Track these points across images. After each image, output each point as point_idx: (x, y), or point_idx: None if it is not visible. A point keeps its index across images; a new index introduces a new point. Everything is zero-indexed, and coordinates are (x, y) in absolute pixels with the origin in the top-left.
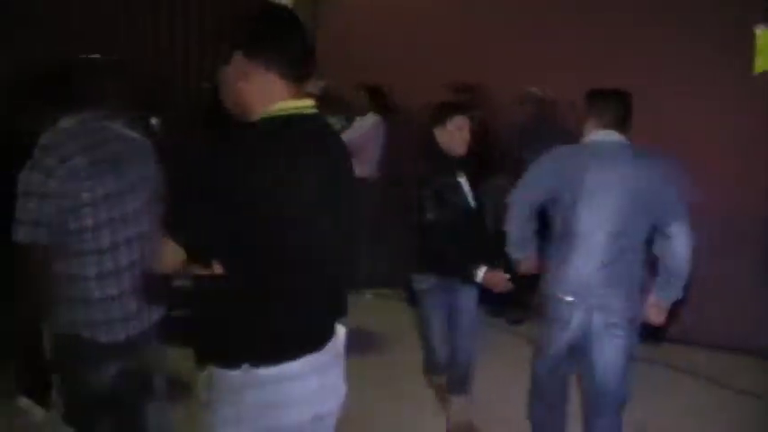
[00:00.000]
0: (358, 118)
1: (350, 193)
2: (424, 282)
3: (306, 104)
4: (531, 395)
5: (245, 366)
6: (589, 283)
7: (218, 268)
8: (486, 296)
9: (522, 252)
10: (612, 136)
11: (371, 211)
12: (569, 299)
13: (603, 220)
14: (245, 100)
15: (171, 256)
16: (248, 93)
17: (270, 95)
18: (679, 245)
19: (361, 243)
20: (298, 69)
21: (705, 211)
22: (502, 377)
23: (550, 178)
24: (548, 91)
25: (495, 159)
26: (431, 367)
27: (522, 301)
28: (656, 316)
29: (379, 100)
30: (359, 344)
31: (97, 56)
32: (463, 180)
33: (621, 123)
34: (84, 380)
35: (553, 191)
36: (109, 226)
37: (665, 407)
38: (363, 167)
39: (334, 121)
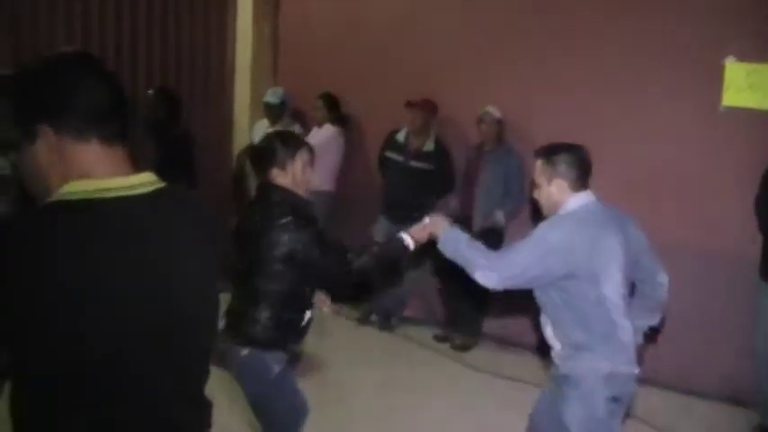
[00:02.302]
0: (315, 128)
1: (200, 278)
2: None
3: (119, 184)
4: None
5: None
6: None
7: None
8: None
9: None
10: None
11: (324, 224)
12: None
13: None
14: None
15: None
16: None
17: (75, 167)
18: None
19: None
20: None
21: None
22: (447, 412)
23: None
24: (504, 112)
25: (452, 178)
26: None
27: (469, 326)
28: None
29: (336, 110)
30: (301, 363)
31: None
32: None
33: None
34: None
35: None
36: None
37: None
38: (318, 180)
39: (293, 127)
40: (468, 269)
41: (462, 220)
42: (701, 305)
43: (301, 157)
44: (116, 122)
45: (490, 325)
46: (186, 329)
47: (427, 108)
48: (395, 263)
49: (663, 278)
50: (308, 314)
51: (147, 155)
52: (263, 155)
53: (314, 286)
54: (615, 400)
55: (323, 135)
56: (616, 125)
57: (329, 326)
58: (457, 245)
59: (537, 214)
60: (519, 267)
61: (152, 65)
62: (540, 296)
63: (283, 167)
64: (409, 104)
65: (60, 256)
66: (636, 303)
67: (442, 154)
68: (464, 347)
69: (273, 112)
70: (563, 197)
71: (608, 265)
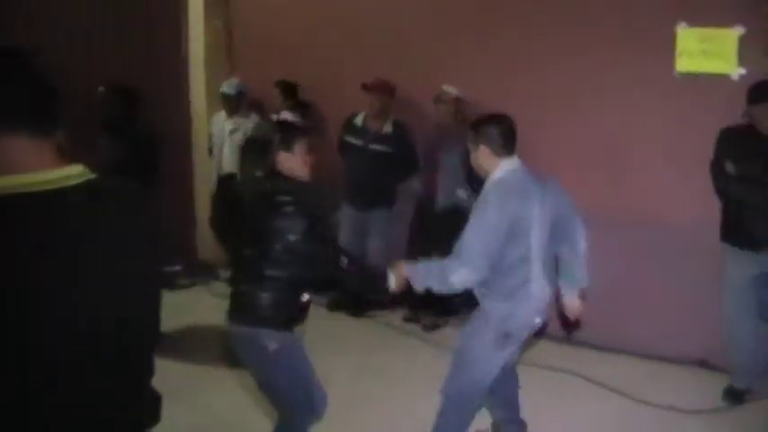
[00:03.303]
0: (273, 116)
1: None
2: None
3: (44, 178)
4: None
5: None
6: None
7: None
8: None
9: None
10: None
11: None
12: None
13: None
14: None
15: None
16: None
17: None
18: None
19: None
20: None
21: (635, 217)
22: (418, 389)
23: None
24: (463, 90)
25: (413, 160)
26: None
27: (438, 305)
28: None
29: (293, 97)
30: None
31: None
32: None
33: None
34: None
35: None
36: None
37: (574, 416)
38: None
39: (251, 117)
40: (444, 281)
41: (425, 201)
42: (666, 271)
43: (304, 141)
44: (42, 116)
45: (457, 303)
46: (114, 325)
47: (385, 90)
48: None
49: (582, 241)
50: (306, 296)
51: (103, 154)
52: (266, 140)
53: (312, 272)
54: (506, 336)
55: None
56: (569, 96)
57: None
58: (424, 272)
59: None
60: (480, 251)
61: (105, 62)
62: None
63: (289, 149)
64: (366, 87)
65: None
66: (562, 266)
67: (401, 136)
68: (433, 327)
69: (231, 103)
70: (488, 162)
71: (530, 228)
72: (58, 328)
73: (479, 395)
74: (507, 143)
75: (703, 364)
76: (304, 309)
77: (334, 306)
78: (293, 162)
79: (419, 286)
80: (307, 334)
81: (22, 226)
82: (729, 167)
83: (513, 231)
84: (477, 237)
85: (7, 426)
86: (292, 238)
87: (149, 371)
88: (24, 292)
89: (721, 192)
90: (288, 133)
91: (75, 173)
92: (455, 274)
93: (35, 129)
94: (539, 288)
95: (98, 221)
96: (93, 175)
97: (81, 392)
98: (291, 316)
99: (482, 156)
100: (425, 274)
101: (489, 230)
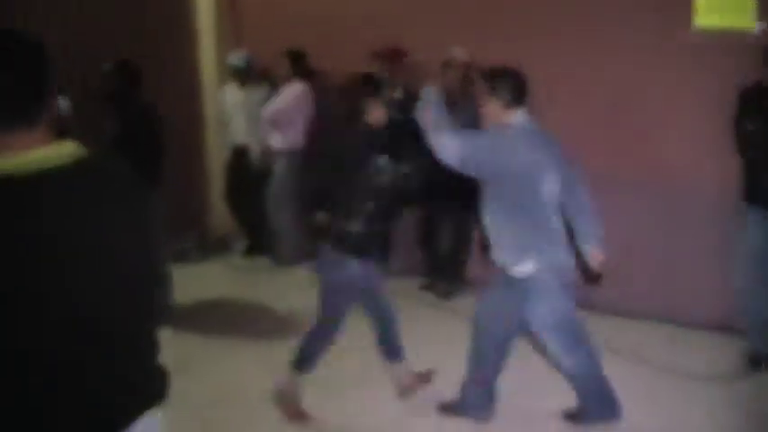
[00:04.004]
0: (283, 86)
1: (126, 246)
2: None
3: (32, 159)
4: None
5: None
6: None
7: None
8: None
9: None
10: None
11: (295, 183)
12: None
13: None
14: None
15: None
16: None
17: None
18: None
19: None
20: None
21: (652, 180)
22: (435, 355)
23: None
24: (473, 54)
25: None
26: None
27: (451, 273)
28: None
29: (302, 65)
30: (278, 326)
31: None
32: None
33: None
34: None
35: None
36: None
37: None
38: (291, 138)
39: (261, 87)
40: (436, 129)
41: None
42: (685, 235)
43: None
44: (23, 105)
45: (473, 270)
46: (111, 299)
47: (394, 57)
48: None
49: (586, 198)
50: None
51: (106, 130)
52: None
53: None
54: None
55: (291, 92)
56: (582, 54)
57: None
58: (437, 106)
59: None
60: (474, 146)
61: (113, 37)
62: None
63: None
64: (375, 55)
65: None
66: (575, 224)
67: (411, 102)
68: (448, 294)
69: (240, 75)
70: (499, 115)
71: (537, 177)
72: (46, 311)
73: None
74: (519, 96)
75: (723, 328)
76: None
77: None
78: (380, 110)
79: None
80: None
81: (4, 207)
82: (749, 126)
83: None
84: (480, 138)
85: (6, 410)
86: (387, 178)
87: (153, 348)
88: (10, 274)
89: (742, 151)
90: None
91: (62, 153)
92: (449, 136)
93: (8, 123)
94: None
95: (84, 200)
96: (83, 154)
97: (81, 373)
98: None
99: (493, 109)
100: (437, 104)
101: (488, 142)
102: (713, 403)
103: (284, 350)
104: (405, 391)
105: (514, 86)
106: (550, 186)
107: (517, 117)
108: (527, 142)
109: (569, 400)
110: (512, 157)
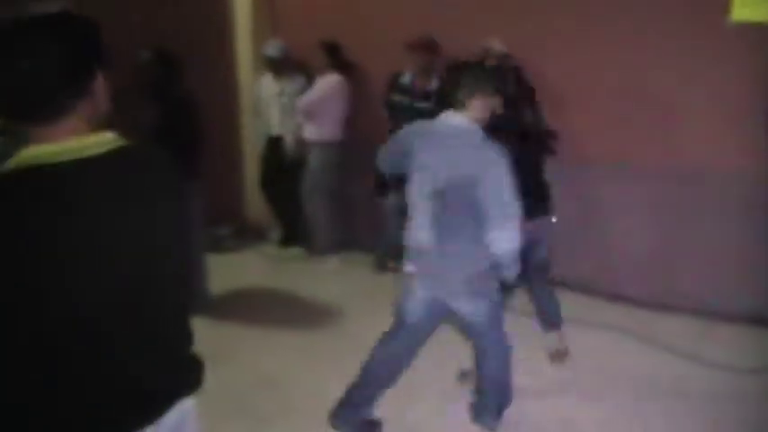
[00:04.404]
0: (318, 78)
1: (157, 240)
2: None
3: (70, 147)
4: None
5: None
6: None
7: None
8: None
9: None
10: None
11: (333, 175)
12: None
13: None
14: None
15: None
16: None
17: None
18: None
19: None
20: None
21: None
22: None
23: None
24: (506, 46)
25: None
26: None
27: None
28: None
29: (337, 57)
30: (313, 315)
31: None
32: None
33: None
34: None
35: None
36: None
37: (626, 375)
38: (325, 130)
39: (297, 78)
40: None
41: None
42: (717, 227)
43: None
44: (48, 100)
45: None
46: (145, 289)
47: (428, 48)
48: None
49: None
50: None
51: (145, 121)
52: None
53: None
54: None
55: (326, 83)
56: (614, 47)
57: (347, 274)
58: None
59: None
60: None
61: (149, 27)
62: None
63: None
64: (410, 46)
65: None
66: None
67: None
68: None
69: (275, 65)
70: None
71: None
72: (79, 299)
73: None
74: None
75: (757, 320)
76: None
77: (382, 267)
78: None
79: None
80: (353, 294)
81: (43, 197)
82: None
83: None
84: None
85: (37, 392)
86: None
87: (186, 337)
88: (45, 263)
89: None
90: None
91: (100, 141)
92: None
93: (32, 119)
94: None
95: (121, 189)
96: (121, 143)
97: (113, 359)
98: None
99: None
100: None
101: None
102: (744, 395)
103: (319, 339)
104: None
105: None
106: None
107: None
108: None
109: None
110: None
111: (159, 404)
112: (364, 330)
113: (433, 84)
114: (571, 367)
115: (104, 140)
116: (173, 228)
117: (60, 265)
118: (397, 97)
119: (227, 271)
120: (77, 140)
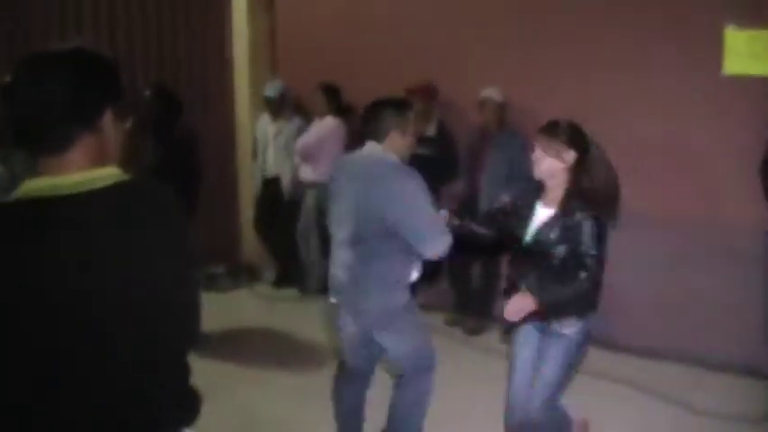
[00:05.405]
0: (316, 120)
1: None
2: None
3: (72, 181)
4: None
5: None
6: None
7: None
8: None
9: None
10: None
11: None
12: None
13: None
14: None
15: None
16: None
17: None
18: None
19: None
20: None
21: (680, 222)
22: (463, 395)
23: None
24: (506, 93)
25: (455, 164)
26: None
27: (480, 308)
28: None
29: (336, 101)
30: (307, 357)
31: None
32: None
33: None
34: None
35: None
36: None
37: (620, 423)
38: (321, 171)
39: (295, 120)
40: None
41: (468, 204)
42: (712, 276)
43: None
44: (52, 132)
45: (501, 307)
46: (138, 327)
47: (427, 93)
48: None
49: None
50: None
51: (146, 156)
52: None
53: None
54: None
55: (324, 126)
56: (614, 99)
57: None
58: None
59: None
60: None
61: (149, 64)
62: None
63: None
64: (408, 91)
65: None
66: None
67: (444, 139)
68: (475, 331)
69: (273, 106)
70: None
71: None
72: (74, 329)
73: None
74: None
75: (751, 371)
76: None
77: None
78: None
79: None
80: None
81: (30, 231)
82: None
83: None
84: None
85: (30, 421)
86: None
87: (184, 370)
88: (40, 293)
89: None
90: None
91: (103, 175)
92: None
93: (48, 148)
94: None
95: (122, 223)
96: (123, 178)
97: (111, 389)
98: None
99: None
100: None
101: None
102: None
103: (312, 380)
104: None
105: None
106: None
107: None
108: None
109: None
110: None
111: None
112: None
113: (431, 129)
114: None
115: (107, 175)
116: (173, 263)
117: (44, 302)
118: None
119: (221, 310)
120: (81, 174)
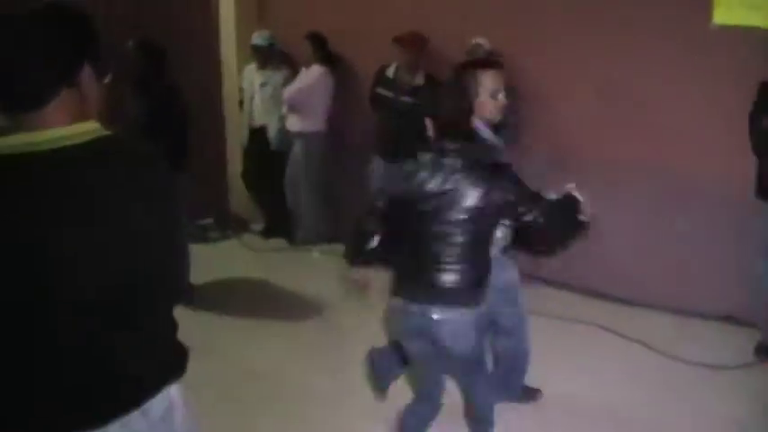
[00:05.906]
0: (303, 69)
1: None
2: None
3: (47, 137)
4: None
5: None
6: None
7: None
8: None
9: None
10: None
11: (317, 166)
12: None
13: None
14: None
15: None
16: None
17: None
18: None
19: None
20: None
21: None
22: None
23: None
24: (493, 44)
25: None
26: None
27: None
28: None
29: (323, 49)
30: (296, 307)
31: None
32: None
33: None
34: None
35: None
36: None
37: (602, 371)
38: (308, 121)
39: (282, 70)
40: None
41: None
42: (694, 225)
43: None
44: (26, 87)
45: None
46: (117, 283)
47: (416, 43)
48: None
49: None
50: None
51: (131, 111)
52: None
53: None
54: None
55: (311, 75)
56: (598, 49)
57: (330, 266)
58: None
59: None
60: None
61: (131, 15)
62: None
63: None
64: (397, 40)
65: None
66: None
67: (432, 88)
68: None
69: (262, 55)
70: None
71: None
72: (50, 284)
73: None
74: None
75: (731, 319)
76: None
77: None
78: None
79: None
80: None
81: (12, 186)
82: (765, 122)
83: None
84: None
85: (17, 380)
86: None
87: (169, 326)
88: (14, 248)
89: (757, 146)
90: None
91: (82, 130)
92: None
93: (12, 106)
94: None
95: (100, 179)
96: (103, 133)
97: (93, 345)
98: None
99: None
100: None
101: None
102: (720, 391)
103: (302, 330)
104: None
105: None
106: None
107: None
108: None
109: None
110: None
111: (144, 390)
112: (347, 322)
113: (419, 79)
114: (551, 362)
115: (85, 130)
116: (158, 218)
117: (20, 256)
118: (382, 90)
119: (209, 261)
120: (57, 130)
